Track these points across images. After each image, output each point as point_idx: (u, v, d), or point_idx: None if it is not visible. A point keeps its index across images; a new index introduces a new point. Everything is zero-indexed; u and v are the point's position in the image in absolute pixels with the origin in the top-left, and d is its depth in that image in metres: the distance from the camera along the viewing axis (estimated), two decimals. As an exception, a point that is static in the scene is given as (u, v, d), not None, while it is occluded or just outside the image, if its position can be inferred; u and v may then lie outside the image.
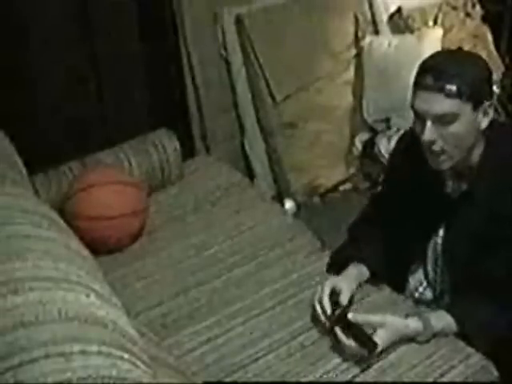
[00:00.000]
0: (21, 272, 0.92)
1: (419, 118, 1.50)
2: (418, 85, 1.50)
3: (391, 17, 3.09)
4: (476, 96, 1.46)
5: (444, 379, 1.49)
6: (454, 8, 3.08)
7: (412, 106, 1.52)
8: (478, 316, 1.55)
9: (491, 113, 1.51)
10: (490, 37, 3.16)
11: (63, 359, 0.80)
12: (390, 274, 1.77)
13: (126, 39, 2.63)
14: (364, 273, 1.74)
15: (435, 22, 3.03)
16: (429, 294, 1.76)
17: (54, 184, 2.08)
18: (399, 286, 1.79)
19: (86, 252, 1.15)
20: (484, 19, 3.16)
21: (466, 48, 3.05)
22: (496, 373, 1.53)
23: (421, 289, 1.78)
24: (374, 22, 3.12)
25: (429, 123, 1.48)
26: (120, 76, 2.64)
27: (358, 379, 1.50)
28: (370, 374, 1.50)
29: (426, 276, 1.75)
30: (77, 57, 2.52)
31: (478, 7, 3.14)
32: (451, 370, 1.50)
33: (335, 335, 1.53)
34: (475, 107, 1.47)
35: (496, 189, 1.54)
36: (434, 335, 1.55)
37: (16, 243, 0.99)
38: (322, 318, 1.62)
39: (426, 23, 3.02)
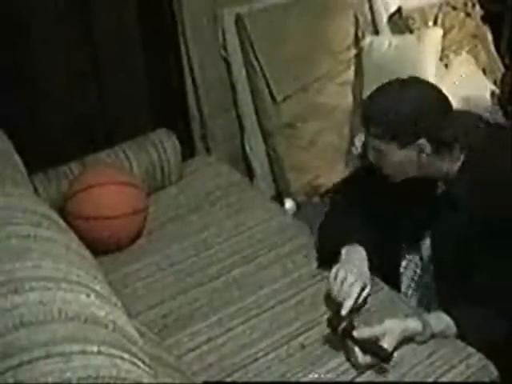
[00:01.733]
0: (21, 272, 0.92)
1: None
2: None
3: (391, 17, 3.08)
4: (398, 139, 1.56)
5: (444, 379, 1.49)
6: (454, 8, 3.07)
7: None
8: (477, 317, 1.55)
9: (428, 148, 1.55)
10: (490, 37, 3.16)
11: (63, 359, 0.80)
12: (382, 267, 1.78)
13: (126, 39, 2.63)
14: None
15: (435, 22, 3.03)
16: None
17: (53, 184, 2.08)
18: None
19: (86, 252, 1.15)
20: (484, 19, 3.15)
21: (466, 48, 3.05)
22: (496, 373, 1.52)
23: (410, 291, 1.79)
24: (374, 22, 3.11)
25: (369, 150, 1.63)
26: (120, 76, 2.64)
27: (358, 379, 1.50)
28: (370, 374, 1.50)
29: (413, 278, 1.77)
30: (77, 57, 2.52)
31: (477, 7, 3.13)
32: (451, 370, 1.50)
33: (346, 347, 1.53)
34: (401, 145, 1.56)
35: (477, 191, 1.57)
36: (433, 336, 1.55)
37: (16, 243, 0.99)
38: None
39: (425, 23, 3.01)
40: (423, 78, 1.69)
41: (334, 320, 1.54)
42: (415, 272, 1.77)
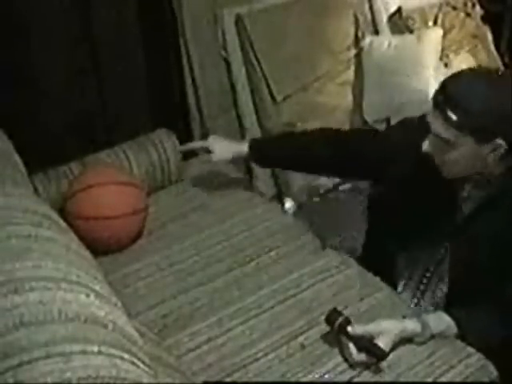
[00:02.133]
0: (21, 272, 0.92)
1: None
2: (433, 96, 1.46)
3: (391, 17, 3.09)
4: (481, 133, 1.41)
5: (444, 379, 1.49)
6: (454, 8, 3.08)
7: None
8: (477, 318, 1.55)
9: (502, 149, 1.43)
10: (490, 37, 3.16)
11: (63, 359, 0.80)
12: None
13: (126, 39, 2.63)
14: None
15: (435, 22, 3.03)
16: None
17: (53, 184, 2.08)
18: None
19: (86, 252, 1.15)
20: (484, 19, 3.16)
21: (466, 48, 3.05)
22: (496, 373, 1.52)
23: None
24: (374, 22, 3.12)
25: (430, 137, 1.47)
26: (120, 76, 2.64)
27: (357, 379, 1.50)
28: (370, 374, 1.50)
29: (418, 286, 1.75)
30: (77, 57, 2.52)
31: (477, 7, 3.14)
32: (451, 370, 1.50)
33: (341, 344, 1.53)
34: (479, 141, 1.42)
35: None
36: (433, 337, 1.55)
37: (16, 243, 0.99)
38: None
39: (425, 23, 3.02)
40: None
41: (332, 315, 1.55)
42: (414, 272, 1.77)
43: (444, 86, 1.44)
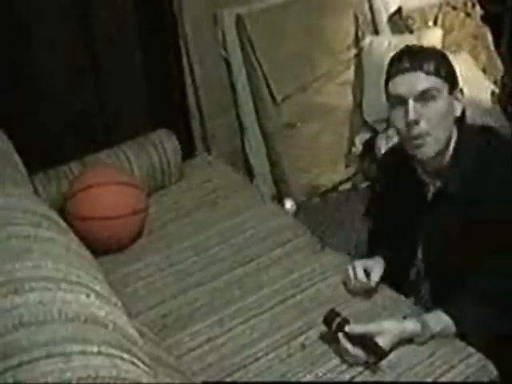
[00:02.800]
0: (21, 272, 0.92)
1: (400, 102, 1.54)
2: (395, 71, 1.56)
3: (391, 17, 3.08)
4: (451, 78, 1.55)
5: (444, 379, 1.49)
6: (454, 8, 3.08)
7: (389, 95, 1.58)
8: (476, 316, 1.55)
9: (461, 100, 1.59)
10: (490, 37, 3.16)
11: (63, 359, 0.80)
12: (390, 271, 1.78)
13: (126, 39, 2.63)
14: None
15: (435, 23, 3.03)
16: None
17: (53, 184, 2.08)
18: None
19: (86, 252, 1.15)
20: (484, 19, 3.15)
21: (466, 48, 3.05)
22: (496, 372, 1.52)
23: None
24: (374, 22, 3.12)
25: (411, 103, 1.52)
26: (120, 76, 2.64)
27: (357, 379, 1.50)
28: (370, 374, 1.50)
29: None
30: (77, 57, 2.52)
31: (477, 7, 3.13)
32: (451, 370, 1.50)
33: (339, 343, 1.53)
34: (451, 89, 1.55)
35: (470, 181, 1.55)
36: (433, 337, 1.55)
37: (16, 243, 0.99)
38: (363, 279, 1.70)
39: (425, 23, 3.01)
40: None
41: (329, 316, 1.55)
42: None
43: (403, 54, 1.58)
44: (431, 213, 1.65)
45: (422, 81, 1.52)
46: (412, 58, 1.54)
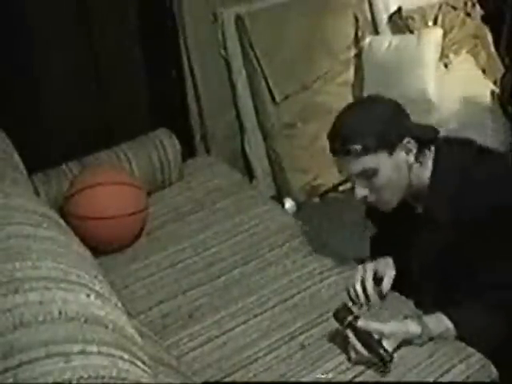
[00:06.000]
0: (21, 272, 0.92)
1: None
2: (331, 150, 1.58)
3: (391, 17, 3.08)
4: (385, 144, 1.51)
5: (444, 379, 1.49)
6: (454, 8, 3.07)
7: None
8: (476, 320, 1.55)
9: (414, 146, 1.55)
10: (489, 37, 3.16)
11: (63, 359, 0.80)
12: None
13: (126, 40, 2.63)
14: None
15: (435, 22, 3.03)
16: None
17: (53, 184, 2.08)
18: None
19: (86, 252, 1.15)
20: (484, 19, 3.15)
21: (466, 48, 3.05)
22: (496, 373, 1.52)
23: None
24: (374, 22, 3.12)
25: (355, 182, 1.57)
26: (120, 76, 2.64)
27: (357, 379, 1.50)
28: (370, 374, 1.50)
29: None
30: (77, 57, 2.52)
31: (477, 7, 3.13)
32: (451, 370, 1.50)
33: (347, 338, 1.52)
34: (390, 152, 1.53)
35: (453, 202, 1.54)
36: (431, 339, 1.54)
37: (16, 243, 0.99)
38: (362, 298, 1.68)
39: (425, 23, 3.01)
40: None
41: (341, 312, 1.54)
42: None
43: (333, 135, 1.57)
44: (422, 228, 1.64)
45: (354, 164, 1.53)
46: (340, 140, 1.54)
